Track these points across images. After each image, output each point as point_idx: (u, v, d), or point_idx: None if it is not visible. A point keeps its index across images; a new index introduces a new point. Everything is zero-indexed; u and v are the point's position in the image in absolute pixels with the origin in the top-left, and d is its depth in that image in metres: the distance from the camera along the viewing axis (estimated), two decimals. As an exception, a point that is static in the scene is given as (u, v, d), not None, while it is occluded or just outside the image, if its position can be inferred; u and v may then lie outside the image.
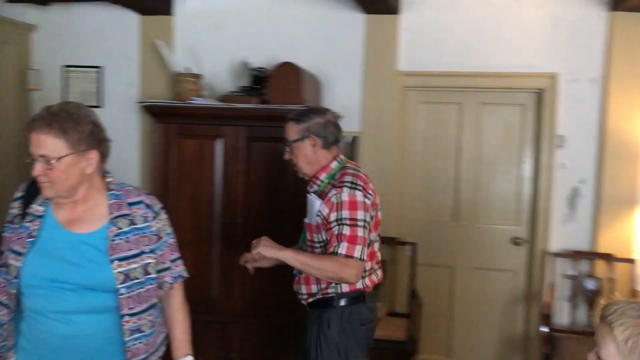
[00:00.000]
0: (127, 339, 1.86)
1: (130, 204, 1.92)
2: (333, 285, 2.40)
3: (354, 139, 4.03)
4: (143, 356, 1.92)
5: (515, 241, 4.09)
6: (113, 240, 1.85)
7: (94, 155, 1.85)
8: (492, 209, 4.13)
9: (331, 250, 2.26)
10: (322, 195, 2.41)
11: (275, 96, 3.55)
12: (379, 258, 2.56)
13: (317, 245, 2.44)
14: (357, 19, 4.01)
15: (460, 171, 4.16)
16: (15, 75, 4.26)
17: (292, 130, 2.48)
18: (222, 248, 3.61)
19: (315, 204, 2.41)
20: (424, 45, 4.00)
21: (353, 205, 2.29)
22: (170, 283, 2.01)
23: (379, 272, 2.56)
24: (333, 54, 4.06)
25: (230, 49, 4.11)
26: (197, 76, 3.84)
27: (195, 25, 4.21)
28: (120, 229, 1.87)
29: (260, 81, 3.79)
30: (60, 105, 1.84)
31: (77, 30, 4.35)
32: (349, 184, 2.34)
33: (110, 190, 1.92)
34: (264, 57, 3.97)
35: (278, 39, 4.09)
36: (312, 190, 2.49)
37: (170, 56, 4.02)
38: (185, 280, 2.08)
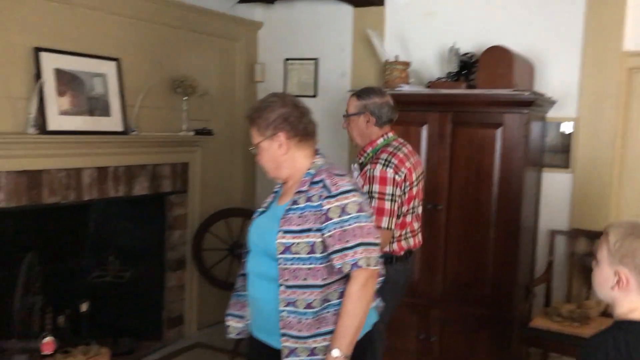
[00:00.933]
0: (280, 308, 1.95)
1: (313, 183, 1.98)
2: None
3: (570, 126, 3.79)
4: (295, 333, 1.94)
5: None
6: (287, 213, 1.97)
7: (282, 138, 2.01)
8: None
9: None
10: (364, 166, 2.67)
11: (483, 81, 3.48)
12: (415, 227, 2.82)
13: None
14: (577, -3, 3.74)
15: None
16: (244, 69, 4.76)
17: (352, 105, 2.79)
18: (425, 233, 3.65)
19: (354, 173, 2.72)
20: (655, 21, 3.59)
21: (383, 181, 2.59)
22: (339, 267, 1.91)
23: (412, 239, 2.80)
24: (547, 35, 3.84)
25: (438, 35, 4.12)
26: (405, 64, 3.92)
27: (405, 14, 4.29)
28: (296, 204, 1.98)
29: (467, 67, 3.75)
30: (263, 98, 2.09)
31: (297, 25, 4.71)
32: (382, 161, 2.63)
33: (309, 169, 2.04)
34: (473, 42, 3.91)
35: (487, 23, 3.98)
36: (359, 160, 2.79)
37: (381, 45, 4.15)
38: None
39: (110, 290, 4.08)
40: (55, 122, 3.30)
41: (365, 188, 2.61)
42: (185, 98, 4.09)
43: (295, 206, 1.97)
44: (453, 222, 3.59)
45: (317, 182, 1.97)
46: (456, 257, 3.61)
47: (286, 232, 1.94)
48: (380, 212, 2.58)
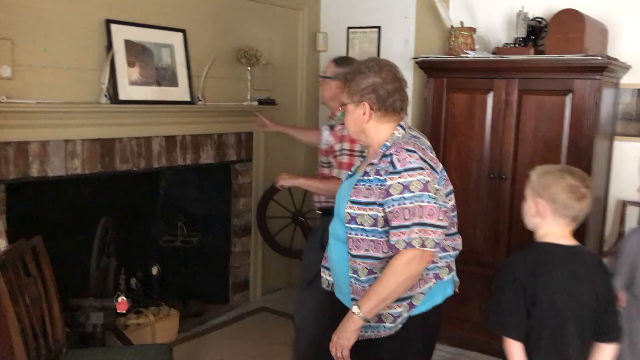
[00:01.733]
0: (349, 274, 2.02)
1: (384, 156, 1.97)
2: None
3: (645, 92, 3.62)
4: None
5: None
6: (357, 184, 2.00)
7: (366, 107, 2.03)
8: None
9: (334, 173, 2.84)
10: (333, 128, 2.90)
11: (552, 46, 3.36)
12: None
13: (326, 165, 2.98)
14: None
15: None
16: (307, 38, 4.76)
17: (329, 69, 3.04)
18: (488, 202, 3.61)
19: (324, 133, 3.00)
20: None
21: (353, 140, 2.70)
22: (393, 243, 1.89)
23: None
24: (623, -3, 3.65)
25: (505, 0, 3.99)
26: (471, 30, 3.82)
27: (472, -22, 4.17)
28: (367, 175, 1.99)
29: (536, 32, 3.63)
30: (361, 60, 2.10)
31: (360, -8, 4.66)
32: None
33: (386, 141, 2.02)
34: (541, 6, 3.77)
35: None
36: (328, 123, 3.04)
37: (446, 11, 4.06)
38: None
39: (179, 255, 4.24)
40: (126, 92, 3.43)
41: (337, 146, 2.82)
42: (249, 68, 4.14)
43: (366, 178, 1.99)
44: (519, 192, 3.50)
45: (387, 156, 1.96)
46: (522, 227, 3.52)
47: (354, 202, 1.99)
48: (349, 166, 2.65)
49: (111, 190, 3.90)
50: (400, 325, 1.99)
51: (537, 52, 3.49)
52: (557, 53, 3.32)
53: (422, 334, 2.06)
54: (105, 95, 3.32)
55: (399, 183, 1.89)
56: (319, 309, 2.80)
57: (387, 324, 1.98)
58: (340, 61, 3.01)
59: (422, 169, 1.90)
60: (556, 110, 3.36)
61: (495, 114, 3.54)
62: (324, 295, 2.32)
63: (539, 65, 3.36)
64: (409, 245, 1.86)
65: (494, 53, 3.65)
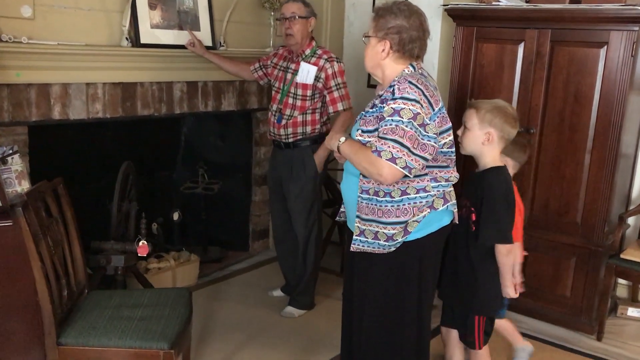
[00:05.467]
0: (358, 193, 2.20)
1: (390, 86, 2.12)
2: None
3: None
4: (364, 215, 2.20)
5: None
6: (365, 114, 2.18)
7: (387, 46, 2.17)
8: None
9: (339, 108, 3.35)
10: (312, 62, 3.33)
11: (589, -5, 3.21)
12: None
13: (308, 98, 3.34)
14: None
15: None
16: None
17: (298, 7, 3.30)
18: (514, 157, 3.52)
19: (308, 67, 3.32)
20: None
21: (342, 75, 3.36)
22: (365, 142, 2.15)
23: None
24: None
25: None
26: (503, -23, 3.66)
27: None
28: (375, 106, 2.16)
29: (573, -21, 3.46)
30: (395, 0, 2.22)
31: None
32: (337, 59, 3.36)
33: (396, 77, 2.17)
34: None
35: None
36: (299, 58, 3.37)
37: (478, -43, 3.89)
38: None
39: (200, 202, 4.25)
40: (147, 35, 3.37)
41: (332, 82, 3.30)
42: (273, 13, 4.04)
43: (373, 108, 2.15)
44: (546, 147, 3.44)
45: (391, 86, 2.10)
46: (547, 183, 3.47)
47: (364, 131, 2.15)
48: (347, 96, 3.38)
49: (132, 136, 3.89)
50: (393, 248, 2.17)
51: (572, 1, 3.34)
52: (593, 2, 3.18)
53: (419, 259, 2.23)
54: (127, 39, 3.27)
55: (391, 107, 2.05)
56: (284, 220, 3.57)
57: (381, 242, 2.17)
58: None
59: (417, 101, 2.03)
60: (589, 63, 3.23)
61: (525, 66, 3.43)
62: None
63: (573, 15, 3.22)
64: (376, 152, 2.04)
65: (527, 1, 3.50)
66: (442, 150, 2.19)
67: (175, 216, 4.10)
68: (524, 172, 3.49)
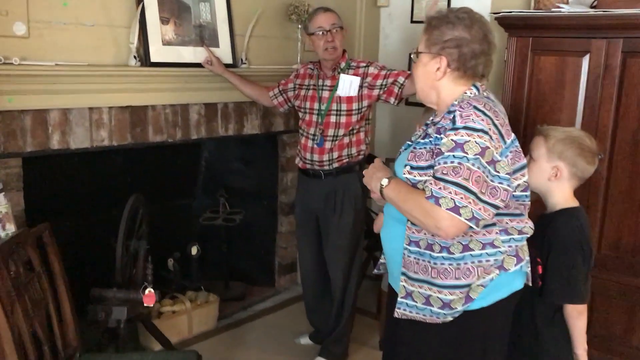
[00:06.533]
0: (404, 244, 1.77)
1: (448, 113, 1.71)
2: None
3: None
4: (412, 274, 1.77)
5: None
6: (417, 146, 1.75)
7: (443, 63, 1.75)
8: None
9: (398, 92, 3.00)
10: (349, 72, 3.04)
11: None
12: None
13: (355, 112, 3.01)
14: None
15: None
16: (367, -7, 4.24)
17: (337, 18, 3.03)
18: (580, 185, 3.04)
19: (349, 78, 3.00)
20: None
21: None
22: (419, 186, 1.72)
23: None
24: None
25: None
26: (562, -20, 3.20)
27: None
28: (428, 136, 1.74)
29: (647, -20, 2.98)
30: (451, 8, 1.85)
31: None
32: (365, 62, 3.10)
33: (455, 100, 1.75)
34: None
35: None
36: (335, 72, 3.05)
37: (530, -42, 3.44)
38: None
39: (221, 234, 3.88)
40: (159, 53, 3.01)
41: (379, 82, 2.99)
42: (300, 26, 3.66)
43: (427, 139, 1.73)
44: (617, 175, 2.95)
45: (451, 112, 1.70)
46: (618, 217, 2.98)
47: (413, 167, 1.72)
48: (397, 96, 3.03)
49: (144, 164, 3.53)
50: (450, 317, 1.75)
51: (647, 6, 2.86)
52: (673, 6, 2.70)
53: (484, 333, 1.80)
54: (135, 57, 2.92)
55: (452, 140, 1.62)
56: (317, 262, 3.19)
57: (435, 309, 1.74)
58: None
59: (485, 132, 1.61)
60: (669, 77, 2.75)
61: (591, 81, 2.95)
62: None
63: (650, 21, 2.75)
64: (432, 198, 1.60)
65: (593, 7, 3.03)
66: (514, 194, 1.75)
67: (194, 250, 3.72)
68: (589, 203, 3.01)
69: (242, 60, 3.41)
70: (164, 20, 3.04)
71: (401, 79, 2.97)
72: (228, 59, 3.32)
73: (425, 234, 1.73)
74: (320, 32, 2.97)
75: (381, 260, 2.06)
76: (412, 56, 1.85)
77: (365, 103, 3.02)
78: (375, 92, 3.00)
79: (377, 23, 4.34)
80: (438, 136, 1.68)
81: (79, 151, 2.86)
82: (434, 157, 1.67)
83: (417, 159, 1.73)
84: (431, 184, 1.63)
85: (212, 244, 3.90)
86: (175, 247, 3.66)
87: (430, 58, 1.77)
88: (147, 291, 2.59)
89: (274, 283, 4.08)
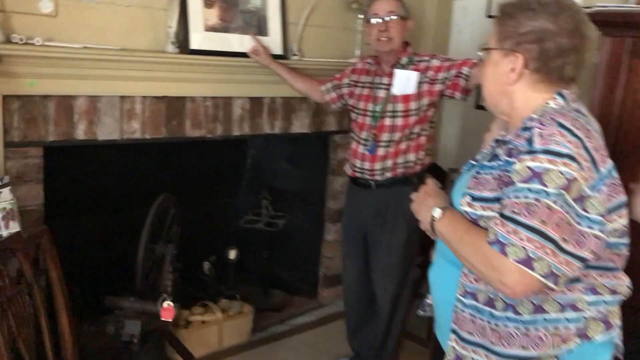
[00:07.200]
0: (457, 294, 1.41)
1: (524, 129, 1.32)
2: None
3: None
4: (467, 336, 1.40)
5: None
6: (479, 172, 1.38)
7: (519, 62, 1.36)
8: None
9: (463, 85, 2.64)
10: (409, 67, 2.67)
11: None
12: None
13: (413, 112, 2.66)
14: None
15: None
16: (440, -15, 3.85)
17: (396, 5, 2.65)
18: None
19: (407, 74, 2.64)
20: None
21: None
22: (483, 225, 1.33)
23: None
24: None
25: None
26: (671, -29, 2.72)
27: None
28: (496, 159, 1.36)
29: None
30: None
31: None
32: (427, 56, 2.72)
33: (534, 112, 1.35)
34: None
35: None
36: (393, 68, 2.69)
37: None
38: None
39: (262, 238, 3.59)
40: (200, 39, 2.74)
41: (441, 75, 2.63)
42: (361, 16, 3.31)
43: (495, 162, 1.36)
44: None
45: (527, 129, 1.30)
46: None
47: (475, 198, 1.35)
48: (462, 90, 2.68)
49: (180, 160, 3.27)
50: None
51: None
52: None
53: None
54: (173, 43, 2.66)
55: (527, 167, 1.23)
56: (362, 281, 2.87)
57: None
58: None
59: (572, 158, 1.21)
60: None
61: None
62: None
63: None
64: (499, 246, 1.21)
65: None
66: (608, 241, 1.33)
67: (232, 254, 3.46)
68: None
69: (293, 51, 3.10)
70: (207, 4, 2.77)
71: (465, 69, 2.59)
72: (278, 50, 3.02)
73: (485, 284, 1.35)
74: (375, 20, 2.63)
75: (427, 301, 1.70)
76: (480, 54, 1.47)
77: (425, 101, 2.65)
78: (437, 87, 2.64)
79: (449, 17, 3.95)
80: (509, 160, 1.30)
81: (107, 143, 2.63)
82: (503, 186, 1.29)
83: (480, 187, 1.35)
84: (497, 224, 1.24)
85: (251, 248, 3.62)
86: (212, 250, 3.40)
87: (503, 55, 1.39)
88: (165, 304, 2.32)
89: (316, 295, 3.77)
